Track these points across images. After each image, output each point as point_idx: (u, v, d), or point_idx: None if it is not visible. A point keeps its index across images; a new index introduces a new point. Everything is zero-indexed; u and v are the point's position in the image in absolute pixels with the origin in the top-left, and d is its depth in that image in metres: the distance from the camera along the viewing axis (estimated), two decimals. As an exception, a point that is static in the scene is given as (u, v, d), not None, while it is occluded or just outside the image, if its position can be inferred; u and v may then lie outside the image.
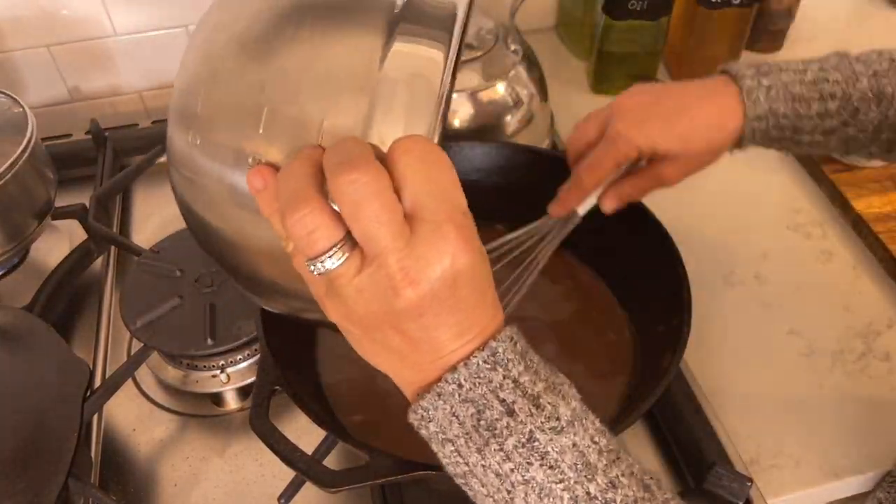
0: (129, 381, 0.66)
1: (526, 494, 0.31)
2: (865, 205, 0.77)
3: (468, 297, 0.32)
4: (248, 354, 0.65)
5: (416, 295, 0.30)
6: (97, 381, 0.65)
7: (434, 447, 0.34)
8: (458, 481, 0.34)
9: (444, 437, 0.33)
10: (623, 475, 0.32)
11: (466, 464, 0.33)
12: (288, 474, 0.54)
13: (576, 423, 0.32)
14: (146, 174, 0.84)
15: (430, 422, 0.33)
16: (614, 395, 0.59)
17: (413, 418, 0.34)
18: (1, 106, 0.73)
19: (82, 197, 0.80)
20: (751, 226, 0.79)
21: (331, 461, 0.54)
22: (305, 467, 0.47)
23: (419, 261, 0.30)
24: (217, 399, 0.65)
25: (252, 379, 0.64)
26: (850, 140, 0.51)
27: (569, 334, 0.64)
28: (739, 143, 0.54)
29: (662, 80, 0.71)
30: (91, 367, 0.62)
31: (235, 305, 0.65)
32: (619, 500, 0.31)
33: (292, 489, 0.55)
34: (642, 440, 0.62)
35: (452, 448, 0.33)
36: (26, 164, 0.69)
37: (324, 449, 0.56)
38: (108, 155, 0.85)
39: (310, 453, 0.48)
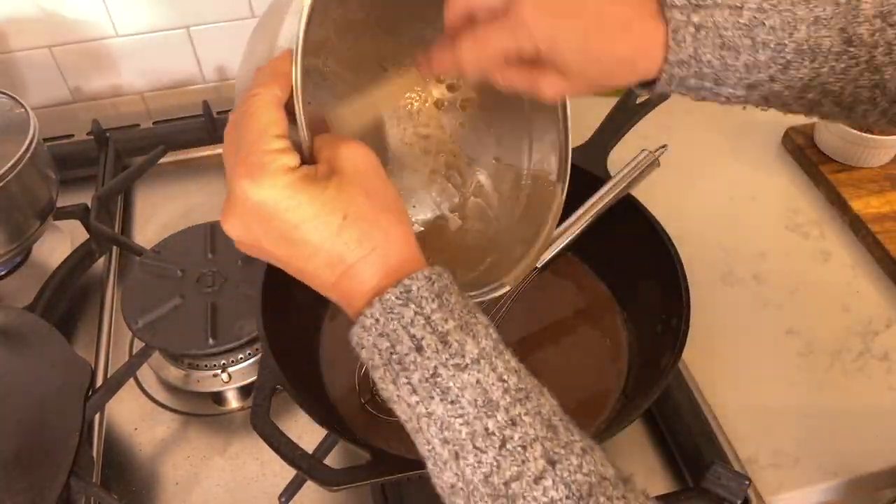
0: (131, 381, 0.66)
1: (428, 426, 0.33)
2: (863, 205, 0.77)
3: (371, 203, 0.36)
4: (250, 354, 0.66)
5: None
6: (99, 381, 0.66)
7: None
8: (391, 405, 0.36)
9: (371, 363, 0.35)
10: (527, 414, 0.33)
11: (387, 391, 0.35)
12: (289, 473, 0.54)
13: (482, 361, 0.34)
14: (148, 174, 0.84)
15: (361, 349, 0.36)
16: (613, 395, 0.59)
17: (352, 343, 0.36)
18: (3, 107, 0.73)
19: (84, 197, 0.80)
20: (749, 226, 0.79)
21: (331, 460, 0.54)
22: (306, 466, 0.47)
23: None
24: (218, 398, 0.66)
25: (253, 378, 0.64)
26: (773, 96, 0.43)
27: (569, 334, 0.64)
28: (651, 85, 0.45)
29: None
30: (93, 366, 0.62)
31: (236, 305, 0.65)
32: (517, 438, 0.32)
33: (293, 488, 0.55)
34: (641, 439, 0.62)
35: (378, 375, 0.35)
36: (28, 164, 0.69)
37: (325, 448, 0.56)
38: (109, 155, 0.85)
39: (311, 452, 0.48)
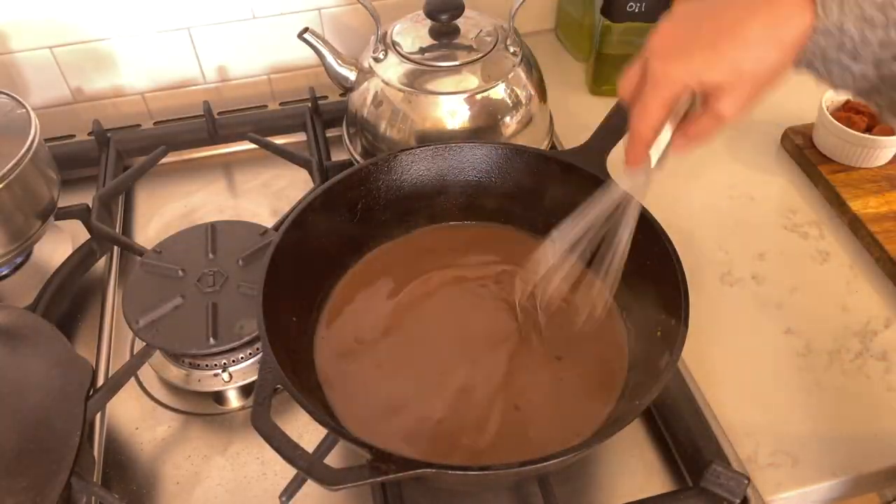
0: (132, 380, 0.66)
1: None
2: (862, 205, 0.77)
3: None
4: (250, 353, 0.66)
5: None
6: (100, 380, 0.66)
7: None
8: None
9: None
10: None
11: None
12: (289, 472, 0.55)
13: None
14: (149, 175, 0.85)
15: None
16: (613, 394, 0.60)
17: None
18: (4, 107, 0.73)
19: (85, 197, 0.80)
20: (748, 226, 0.79)
21: (332, 459, 0.55)
22: (306, 465, 0.47)
23: None
24: (219, 398, 0.66)
25: (254, 378, 0.65)
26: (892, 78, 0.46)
27: (567, 333, 0.64)
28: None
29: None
30: (94, 366, 0.62)
31: (237, 305, 0.65)
32: None
33: (294, 487, 0.55)
34: (640, 438, 0.62)
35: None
36: (29, 164, 0.69)
37: (325, 447, 0.56)
38: (110, 155, 0.86)
39: (311, 451, 0.49)
